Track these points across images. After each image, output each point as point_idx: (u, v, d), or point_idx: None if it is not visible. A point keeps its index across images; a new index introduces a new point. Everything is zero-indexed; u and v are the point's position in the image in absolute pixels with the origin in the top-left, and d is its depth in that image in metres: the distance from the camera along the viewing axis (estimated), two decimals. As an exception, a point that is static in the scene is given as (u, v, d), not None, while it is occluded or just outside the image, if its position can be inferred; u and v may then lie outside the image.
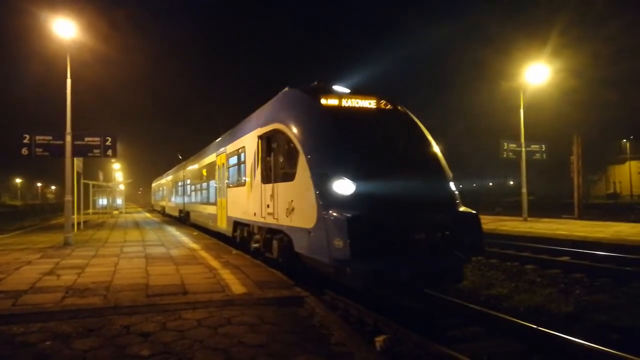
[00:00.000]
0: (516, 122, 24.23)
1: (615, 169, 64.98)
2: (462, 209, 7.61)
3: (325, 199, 7.02)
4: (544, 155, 25.25)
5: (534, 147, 24.77)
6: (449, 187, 7.78)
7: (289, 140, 8.50)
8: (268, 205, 9.49)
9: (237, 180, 12.79)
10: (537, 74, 22.95)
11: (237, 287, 7.32)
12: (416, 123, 8.98)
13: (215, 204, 16.20)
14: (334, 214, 6.69)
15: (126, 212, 46.31)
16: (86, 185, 27.49)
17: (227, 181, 14.19)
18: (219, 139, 17.36)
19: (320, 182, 7.22)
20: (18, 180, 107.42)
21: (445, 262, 7.00)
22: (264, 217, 9.77)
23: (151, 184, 60.45)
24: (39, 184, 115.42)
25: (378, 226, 6.55)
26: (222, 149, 15.27)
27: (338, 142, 7.84)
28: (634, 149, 64.26)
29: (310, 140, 8.02)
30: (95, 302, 6.31)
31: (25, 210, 55.76)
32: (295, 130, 8.39)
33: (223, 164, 14.84)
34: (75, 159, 15.70)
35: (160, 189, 44.13)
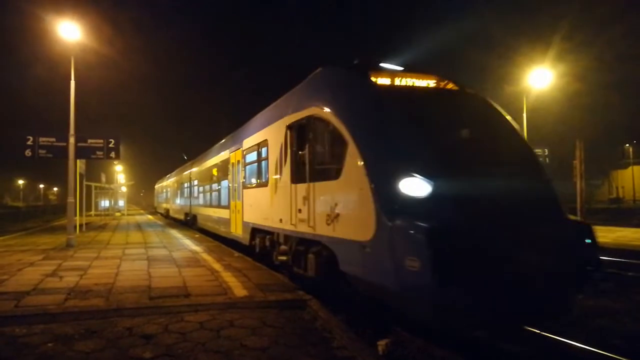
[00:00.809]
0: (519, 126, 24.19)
1: (618, 173, 64.84)
2: (572, 218, 6.12)
3: (388, 203, 5.40)
4: (547, 159, 25.30)
5: (537, 151, 24.75)
6: (552, 190, 6.14)
7: (331, 128, 6.75)
8: (300, 210, 7.77)
9: (257, 180, 11.04)
10: (540, 78, 22.95)
11: (239, 289, 7.32)
12: (496, 108, 7.23)
13: (227, 207, 14.47)
14: (406, 223, 5.11)
15: (128, 214, 46.34)
16: (88, 187, 27.57)
17: (243, 181, 12.43)
18: (233, 133, 15.39)
19: (380, 179, 5.62)
20: (20, 182, 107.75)
21: (558, 290, 5.28)
22: (294, 225, 8.02)
23: (154, 185, 60.46)
24: (41, 186, 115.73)
25: (471, 241, 4.88)
26: (236, 145, 13.43)
27: (403, 128, 6.16)
28: (638, 153, 64.16)
29: (364, 127, 6.34)
30: (97, 304, 6.31)
31: (28, 212, 55.89)
32: (340, 114, 6.64)
33: (238, 161, 13.01)
34: (78, 160, 15.74)
35: (164, 190, 42.77)
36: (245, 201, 12.03)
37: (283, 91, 10.18)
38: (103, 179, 32.22)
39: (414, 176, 5.40)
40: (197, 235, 18.71)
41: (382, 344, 5.40)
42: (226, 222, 14.63)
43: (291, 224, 8.18)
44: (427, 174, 5.40)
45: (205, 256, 11.75)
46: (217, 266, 9.91)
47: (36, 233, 21.81)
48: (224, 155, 15.47)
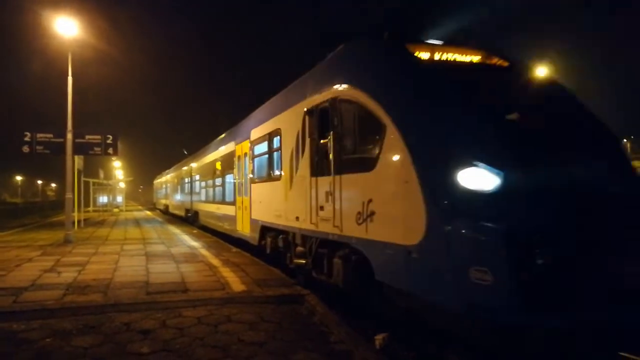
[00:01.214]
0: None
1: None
2: None
3: (444, 198, 4.42)
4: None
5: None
6: None
7: (362, 110, 5.69)
8: (322, 207, 6.76)
9: (268, 174, 9.93)
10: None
11: (237, 285, 7.34)
12: (562, 86, 6.23)
13: (233, 203, 13.36)
14: (471, 224, 4.14)
15: (126, 210, 46.34)
16: (86, 183, 27.52)
17: (251, 175, 11.41)
18: (239, 124, 14.22)
19: (432, 170, 4.62)
20: (19, 178, 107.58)
21: None
22: (315, 224, 6.99)
23: (152, 181, 60.36)
24: (39, 182, 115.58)
25: (563, 248, 3.95)
26: (243, 136, 12.42)
27: (456, 107, 5.12)
28: (635, 148, 64.22)
29: (407, 106, 5.24)
30: (95, 299, 6.33)
31: (26, 208, 55.78)
32: (375, 93, 5.54)
33: (245, 154, 12.02)
34: (75, 156, 15.73)
35: (164, 186, 41.60)
36: (254, 197, 11.01)
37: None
38: (101, 175, 32.13)
39: (476, 165, 4.38)
40: (195, 231, 18.73)
41: (379, 338, 5.42)
42: (231, 220, 13.58)
43: (311, 223, 7.15)
44: (492, 163, 4.36)
45: (204, 252, 11.77)
46: (215, 261, 9.93)
47: (34, 229, 21.81)
48: (228, 147, 14.49)
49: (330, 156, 6.42)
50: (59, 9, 14.64)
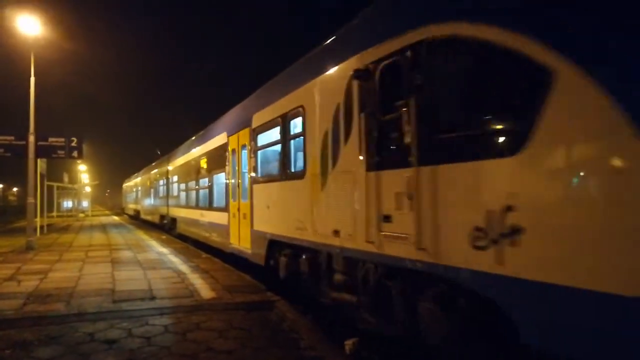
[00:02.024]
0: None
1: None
2: None
3: None
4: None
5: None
6: None
7: (501, 53, 3.53)
8: (388, 217, 4.64)
9: (282, 170, 7.52)
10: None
11: (206, 291, 7.23)
12: None
13: (224, 209, 11.00)
14: None
15: (93, 215, 45.17)
16: (50, 187, 26.71)
17: (253, 174, 8.96)
18: (232, 111, 11.61)
19: None
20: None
21: None
22: (375, 242, 4.83)
23: (121, 185, 59.01)
24: (0, 186, 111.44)
25: None
26: (240, 124, 9.93)
27: None
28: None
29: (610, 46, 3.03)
30: (58, 308, 6.12)
31: (-15, 213, 53.73)
32: (534, 25, 3.36)
33: (243, 146, 9.66)
34: (38, 160, 15.26)
35: (134, 189, 38.68)
36: (258, 201, 8.64)
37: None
38: (66, 178, 31.24)
39: None
40: (164, 237, 18.39)
41: (349, 343, 5.43)
42: (222, 230, 11.15)
43: (366, 241, 4.96)
44: None
45: (172, 258, 11.56)
46: (184, 268, 9.77)
47: (-6, 235, 20.98)
48: (217, 140, 11.89)
49: (409, 136, 4.27)
50: (21, 6, 14.22)
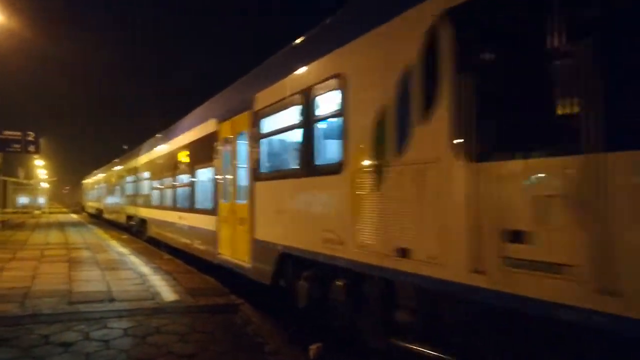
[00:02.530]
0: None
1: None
2: None
3: None
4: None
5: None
6: None
7: None
8: (520, 235, 3.01)
9: (303, 164, 5.81)
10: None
11: (168, 294, 7.08)
12: None
13: (211, 211, 9.07)
14: None
15: (50, 213, 43.55)
16: (4, 183, 25.65)
17: (254, 167, 7.19)
18: (223, 92, 9.72)
19: None
20: None
21: None
22: (487, 273, 3.21)
23: (80, 182, 57.12)
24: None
25: None
26: (234, 108, 8.15)
27: None
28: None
29: None
30: (10, 309, 5.87)
31: None
32: None
33: (240, 134, 7.87)
34: (-8, 154, 14.64)
35: (96, 186, 35.47)
36: (262, 203, 6.94)
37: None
38: (21, 174, 30.06)
39: None
40: (124, 237, 17.91)
41: (312, 348, 5.41)
42: (207, 237, 9.25)
43: (472, 271, 3.32)
44: None
45: (133, 259, 11.27)
46: (145, 269, 9.53)
47: (-59, 231, 19.94)
48: (202, 129, 10.02)
49: (584, 104, 2.67)
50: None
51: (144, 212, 16.52)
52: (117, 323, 5.56)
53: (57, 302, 6.27)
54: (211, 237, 8.95)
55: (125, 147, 32.73)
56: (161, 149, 14.49)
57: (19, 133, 14.35)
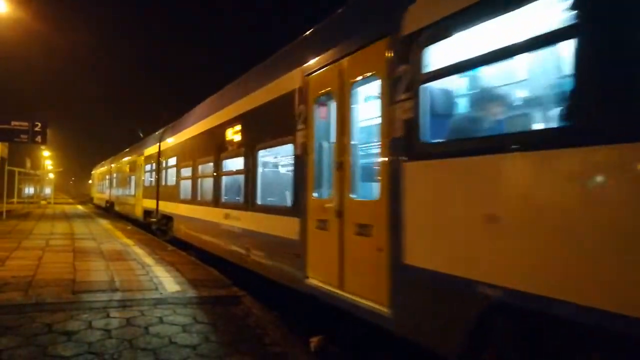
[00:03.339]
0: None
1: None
2: None
3: None
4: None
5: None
6: None
7: None
8: None
9: (577, 121, 2.55)
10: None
11: (171, 285, 7.11)
12: None
13: (290, 211, 6.01)
14: None
15: (55, 203, 43.80)
16: (11, 173, 25.80)
17: (415, 137, 3.78)
18: (314, 30, 6.32)
19: None
20: None
21: None
22: None
23: (86, 173, 57.23)
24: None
25: None
26: (350, 39, 4.83)
27: None
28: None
29: None
30: (14, 297, 5.91)
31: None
32: None
33: (358, 83, 4.76)
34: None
35: (108, 176, 31.58)
36: (425, 199, 3.69)
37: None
38: (28, 164, 30.23)
39: None
40: (129, 227, 17.99)
41: (314, 340, 5.43)
42: (283, 248, 6.13)
43: None
44: None
45: (137, 249, 11.32)
46: (148, 260, 9.58)
47: (-52, 220, 20.12)
48: (271, 90, 6.81)
49: None
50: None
51: (170, 208, 13.35)
52: (120, 313, 5.58)
53: (61, 291, 6.31)
54: (290, 250, 5.90)
55: (141, 134, 30.28)
56: (196, 128, 11.10)
57: (26, 123, 14.38)
